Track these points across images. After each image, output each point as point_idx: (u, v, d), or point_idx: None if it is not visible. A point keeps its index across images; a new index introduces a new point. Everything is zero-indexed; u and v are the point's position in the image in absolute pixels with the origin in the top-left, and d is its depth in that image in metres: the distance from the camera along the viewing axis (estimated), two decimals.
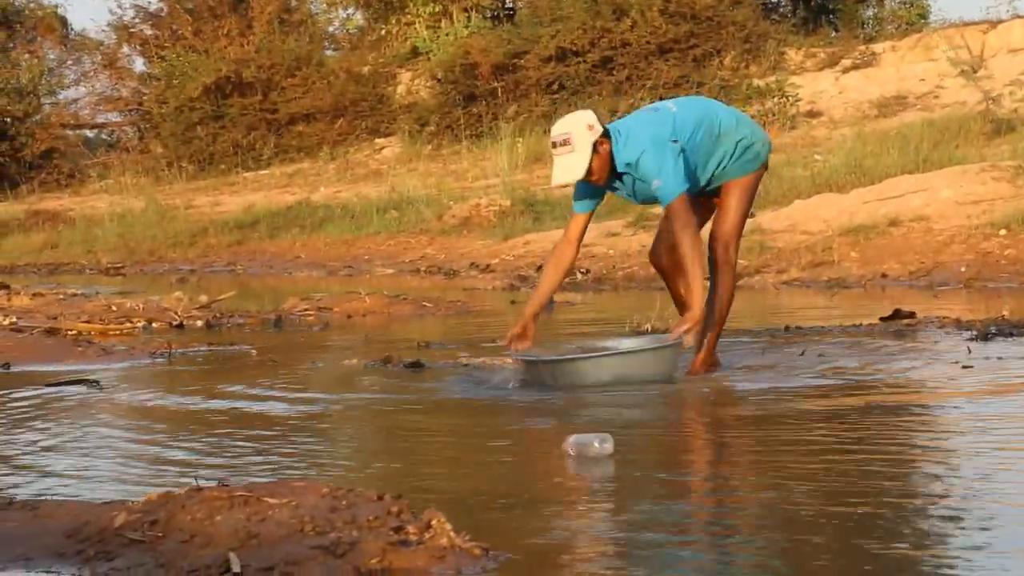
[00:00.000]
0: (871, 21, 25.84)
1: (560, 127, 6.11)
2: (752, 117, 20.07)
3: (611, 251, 14.33)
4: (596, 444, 4.49)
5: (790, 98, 20.73)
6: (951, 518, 3.55)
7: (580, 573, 3.18)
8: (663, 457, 4.70)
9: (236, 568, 2.99)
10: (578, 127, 6.05)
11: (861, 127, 18.20)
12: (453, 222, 17.85)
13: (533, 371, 6.15)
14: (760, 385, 5.94)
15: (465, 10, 27.41)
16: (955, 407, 5.40)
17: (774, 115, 20.37)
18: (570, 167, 6.04)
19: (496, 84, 24.13)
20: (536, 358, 6.19)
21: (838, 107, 21.28)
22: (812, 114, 21.07)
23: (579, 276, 13.32)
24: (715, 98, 21.96)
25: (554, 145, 6.08)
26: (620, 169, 6.10)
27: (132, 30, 31.96)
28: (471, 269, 15.20)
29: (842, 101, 21.51)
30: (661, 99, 22.22)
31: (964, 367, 6.21)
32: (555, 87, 23.59)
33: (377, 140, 26.35)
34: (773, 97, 20.77)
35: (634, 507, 3.82)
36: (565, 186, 6.15)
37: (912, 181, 13.56)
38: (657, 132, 6.06)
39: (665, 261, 6.40)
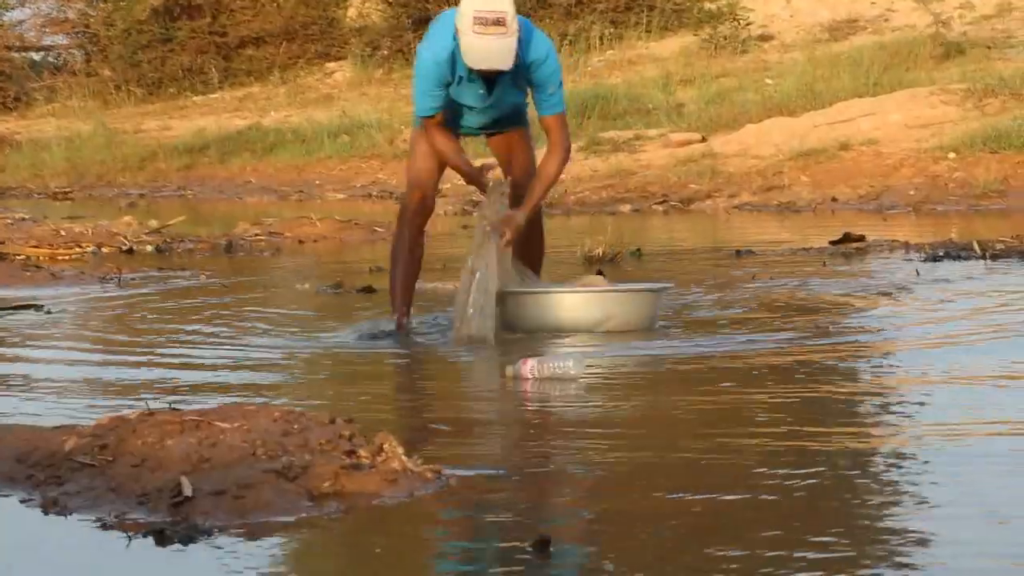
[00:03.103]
0: None
1: (491, 2, 5.25)
2: (704, 42, 20.34)
3: (562, 176, 14.30)
4: (570, 364, 4.41)
5: (741, 22, 20.65)
6: None
7: (534, 493, 3.20)
8: (623, 388, 4.69)
9: (188, 492, 2.99)
10: (512, 9, 5.29)
11: (812, 51, 18.19)
12: (405, 147, 17.69)
13: (512, 304, 5.48)
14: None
15: None
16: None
17: (726, 39, 20.30)
18: (506, 52, 5.28)
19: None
20: (520, 290, 5.52)
21: (789, 30, 21.24)
22: (763, 38, 21.02)
23: None
24: (667, 23, 22.01)
25: (483, 22, 5.22)
26: (523, 64, 5.41)
27: None
28: None
29: (793, 24, 21.47)
30: (613, 24, 22.20)
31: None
32: None
33: (328, 64, 26.12)
34: (725, 21, 20.67)
35: (584, 433, 3.84)
36: (491, 73, 5.40)
37: (863, 105, 13.60)
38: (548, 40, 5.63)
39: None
